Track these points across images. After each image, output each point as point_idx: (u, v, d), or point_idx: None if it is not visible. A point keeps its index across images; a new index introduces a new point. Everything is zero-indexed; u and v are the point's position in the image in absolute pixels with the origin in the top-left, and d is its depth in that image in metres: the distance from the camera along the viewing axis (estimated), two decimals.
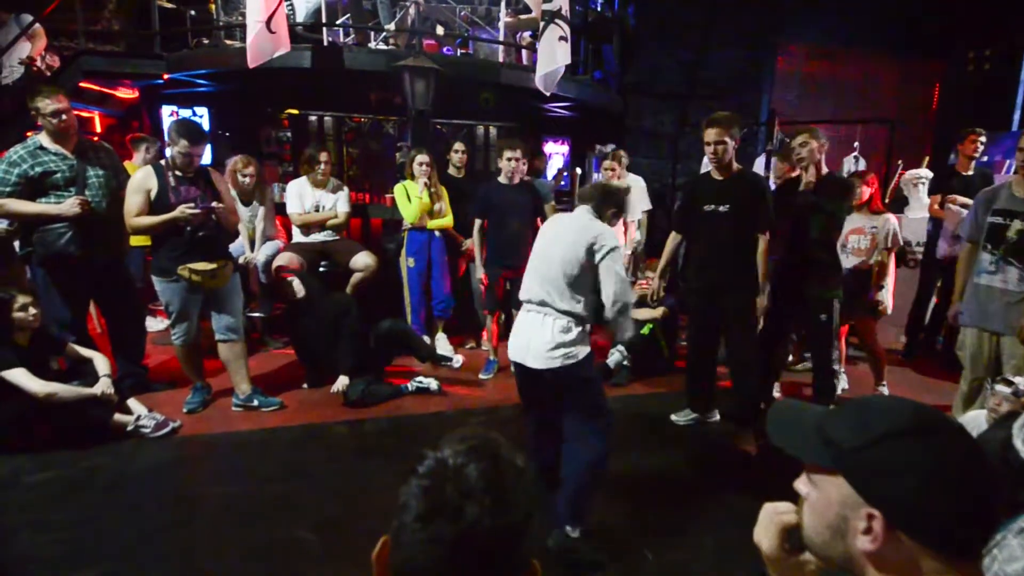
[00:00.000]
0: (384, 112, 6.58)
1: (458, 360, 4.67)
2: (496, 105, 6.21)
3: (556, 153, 7.22)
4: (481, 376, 4.49)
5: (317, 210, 4.70)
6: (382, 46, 5.63)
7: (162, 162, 3.47)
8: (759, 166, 6.13)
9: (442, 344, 4.97)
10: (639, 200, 5.54)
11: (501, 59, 6.16)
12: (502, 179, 4.45)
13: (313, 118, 6.70)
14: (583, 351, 2.46)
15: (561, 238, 2.50)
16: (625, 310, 2.50)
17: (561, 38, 5.18)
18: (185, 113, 6.12)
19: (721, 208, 3.39)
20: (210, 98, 6.28)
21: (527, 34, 6.35)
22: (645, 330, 4.54)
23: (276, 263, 4.50)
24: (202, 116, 6.25)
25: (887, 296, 4.18)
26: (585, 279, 2.44)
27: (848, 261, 4.01)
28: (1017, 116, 7.24)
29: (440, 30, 6.36)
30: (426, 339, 4.88)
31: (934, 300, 5.13)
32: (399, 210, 4.75)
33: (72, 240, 3.44)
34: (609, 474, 2.82)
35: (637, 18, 7.63)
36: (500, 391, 4.19)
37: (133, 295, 4.09)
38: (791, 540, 0.93)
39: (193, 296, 3.51)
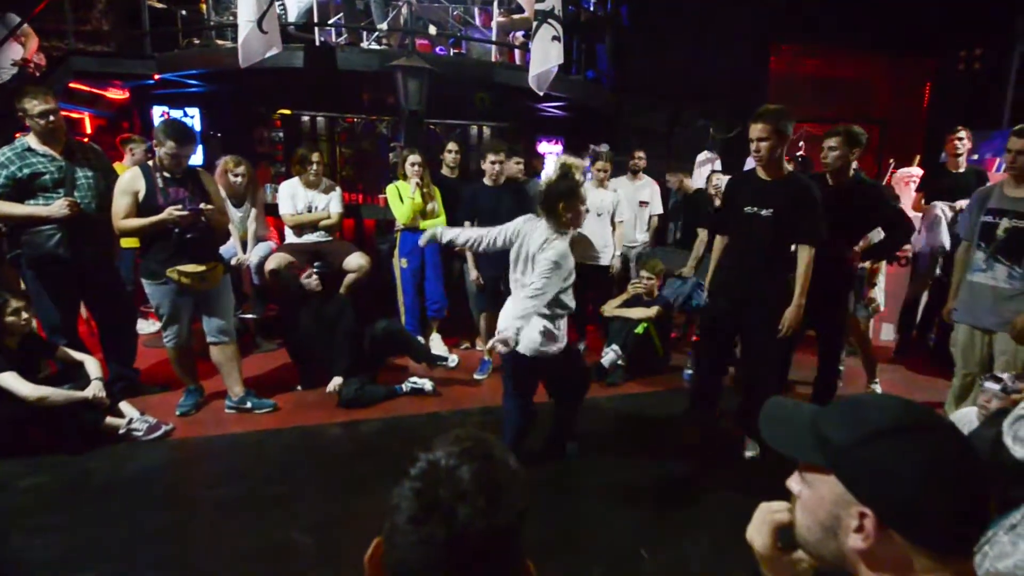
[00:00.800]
0: (377, 112, 6.57)
1: (454, 360, 4.65)
2: (490, 105, 6.21)
3: (550, 153, 7.22)
4: (476, 376, 4.49)
5: (310, 211, 4.68)
6: (375, 46, 5.61)
7: (150, 163, 3.44)
8: (751, 164, 6.16)
9: (436, 344, 4.96)
10: (653, 203, 5.60)
11: (494, 59, 6.16)
12: (487, 181, 4.48)
13: (306, 118, 6.68)
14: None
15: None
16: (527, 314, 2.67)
17: (554, 38, 5.18)
18: (176, 114, 6.08)
19: (763, 212, 3.04)
20: (201, 98, 6.25)
21: (520, 34, 6.35)
22: (640, 329, 4.54)
23: (268, 265, 4.49)
24: (193, 117, 6.21)
25: (880, 294, 4.21)
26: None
27: None
28: (1008, 114, 7.28)
29: (433, 30, 6.35)
30: (420, 340, 4.88)
31: (925, 297, 5.17)
32: (392, 211, 4.74)
33: (61, 242, 3.41)
34: (605, 473, 2.84)
35: (630, 18, 7.64)
36: (495, 391, 4.17)
37: (124, 297, 4.06)
38: (784, 538, 0.94)
39: (183, 298, 3.49)
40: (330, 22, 5.93)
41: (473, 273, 4.48)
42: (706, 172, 6.37)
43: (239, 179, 4.63)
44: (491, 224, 4.11)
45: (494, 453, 0.77)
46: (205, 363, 3.83)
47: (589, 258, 4.79)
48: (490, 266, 4.32)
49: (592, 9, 7.16)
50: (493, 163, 4.42)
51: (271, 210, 5.13)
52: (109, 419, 3.33)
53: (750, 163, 6.20)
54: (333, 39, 5.90)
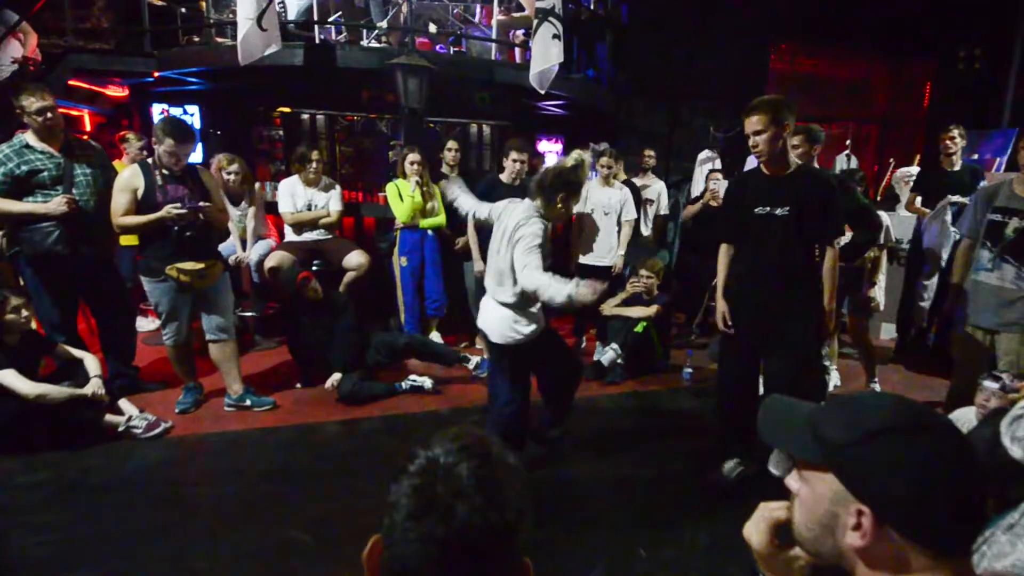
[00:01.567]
0: (377, 110, 6.55)
1: (475, 361, 4.38)
2: (489, 103, 6.20)
3: (549, 151, 7.21)
4: (475, 374, 4.49)
5: (309, 209, 4.68)
6: (375, 44, 5.61)
7: (149, 160, 3.44)
8: (752, 163, 6.16)
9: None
10: (660, 203, 5.61)
11: (494, 57, 6.16)
12: (504, 178, 4.47)
13: (305, 116, 6.67)
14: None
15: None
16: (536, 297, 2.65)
17: (555, 36, 5.18)
18: (176, 111, 6.08)
19: (778, 211, 2.74)
20: (201, 96, 6.24)
21: (520, 32, 6.34)
22: (639, 328, 4.54)
23: (268, 263, 4.49)
24: (193, 114, 6.21)
25: (880, 293, 4.21)
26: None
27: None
28: (1008, 114, 7.28)
29: (433, 28, 6.35)
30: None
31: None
32: (391, 209, 4.74)
33: (60, 239, 3.41)
34: (603, 472, 2.83)
35: (630, 16, 7.63)
36: None
37: (123, 295, 4.06)
38: (781, 536, 0.94)
39: (182, 296, 3.49)
40: (330, 20, 5.92)
41: (479, 265, 4.47)
42: (706, 171, 6.37)
43: (232, 177, 4.62)
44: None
45: (493, 451, 0.77)
46: (204, 361, 3.83)
47: (592, 257, 4.79)
48: None
49: (592, 8, 7.16)
50: (515, 161, 4.40)
51: (270, 208, 5.13)
52: (108, 416, 3.33)
53: (751, 163, 6.23)
54: (333, 37, 5.90)
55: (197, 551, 2.45)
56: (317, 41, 5.56)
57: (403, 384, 4.12)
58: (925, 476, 0.74)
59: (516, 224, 2.66)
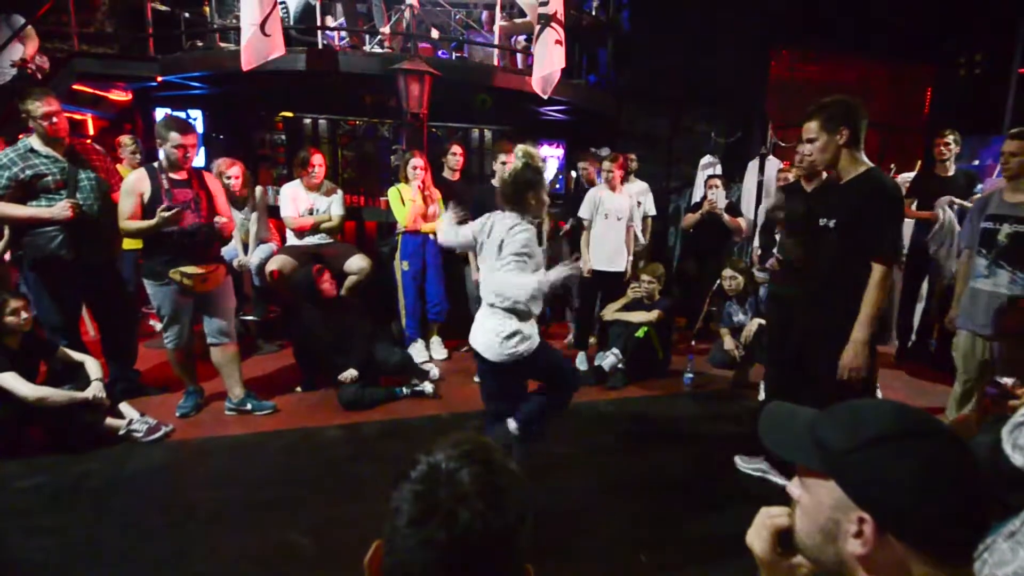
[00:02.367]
0: (379, 115, 6.57)
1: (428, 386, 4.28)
2: (491, 108, 6.22)
3: (551, 156, 7.23)
4: (476, 380, 4.48)
5: (311, 213, 4.70)
6: (377, 49, 5.63)
7: (155, 164, 3.45)
8: (752, 169, 6.17)
9: (436, 347, 4.97)
10: (646, 205, 5.59)
11: (496, 63, 6.18)
12: (496, 183, 4.47)
13: (307, 121, 6.69)
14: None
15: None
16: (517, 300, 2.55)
17: (556, 41, 5.20)
18: (179, 116, 6.10)
19: (827, 221, 2.56)
20: (204, 101, 6.26)
21: (522, 38, 6.36)
22: (640, 333, 4.54)
23: (269, 266, 4.49)
24: (196, 119, 6.23)
25: None
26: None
27: None
28: (1008, 120, 7.29)
29: (435, 33, 6.37)
30: (421, 343, 4.88)
31: (922, 303, 5.17)
32: (393, 213, 4.75)
33: (63, 243, 3.42)
34: (604, 477, 2.82)
35: (631, 22, 7.65)
36: None
37: (125, 299, 4.06)
38: (783, 543, 0.94)
39: (184, 300, 3.50)
40: (332, 25, 5.94)
41: (476, 274, 4.48)
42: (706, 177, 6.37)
43: (232, 181, 4.63)
44: None
45: (494, 456, 0.77)
46: (205, 365, 3.83)
47: (604, 264, 4.77)
48: None
49: (594, 13, 7.18)
50: (504, 164, 4.40)
51: (272, 212, 5.14)
52: (109, 420, 3.33)
53: (750, 169, 6.24)
54: (335, 42, 5.92)
55: (197, 555, 2.45)
56: (320, 46, 5.58)
57: (404, 389, 4.13)
58: (926, 483, 0.74)
59: (503, 236, 2.59)
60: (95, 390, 3.26)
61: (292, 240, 4.76)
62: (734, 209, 5.70)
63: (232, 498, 2.85)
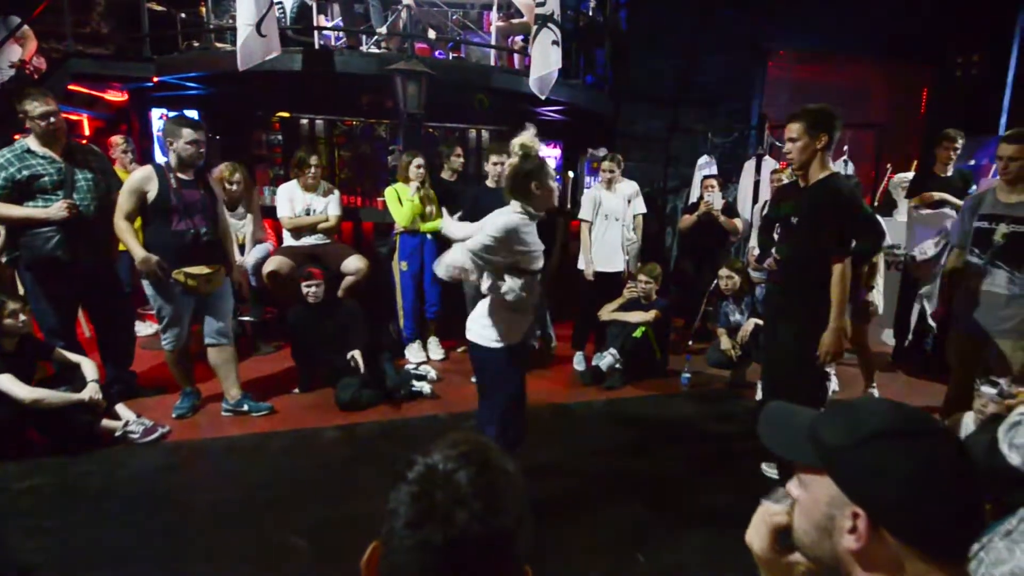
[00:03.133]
0: (375, 116, 6.57)
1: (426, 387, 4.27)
2: (488, 108, 6.22)
3: (548, 157, 7.23)
4: (474, 380, 4.47)
5: (308, 214, 4.69)
6: (374, 49, 5.62)
7: (161, 163, 3.44)
8: (749, 169, 6.18)
9: (434, 347, 4.97)
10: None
11: (493, 63, 6.18)
12: (489, 182, 4.48)
13: (304, 121, 6.68)
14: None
15: None
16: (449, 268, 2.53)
17: (553, 42, 5.20)
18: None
19: (794, 219, 2.85)
20: (200, 101, 6.25)
21: (519, 38, 6.36)
22: (638, 333, 4.55)
23: (266, 267, 4.48)
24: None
25: (878, 297, 4.22)
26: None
27: None
28: (1004, 120, 7.31)
29: (432, 34, 6.37)
30: (418, 343, 4.88)
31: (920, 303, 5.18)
32: (391, 213, 4.74)
33: (60, 244, 3.41)
34: (601, 477, 2.81)
35: (628, 23, 7.66)
36: None
37: (122, 300, 4.05)
38: (782, 541, 0.94)
39: (186, 301, 3.49)
40: (329, 25, 5.93)
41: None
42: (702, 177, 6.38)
43: (235, 187, 4.62)
44: None
45: (491, 457, 0.77)
46: (202, 366, 3.82)
47: (603, 264, 4.78)
48: None
49: (591, 14, 7.19)
50: (495, 164, 4.41)
51: (269, 213, 5.13)
52: (105, 421, 3.32)
53: (747, 168, 6.24)
54: (332, 42, 5.91)
55: (194, 556, 2.44)
56: (316, 46, 5.57)
57: (401, 390, 4.12)
58: (919, 480, 0.74)
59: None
60: (91, 392, 3.25)
61: (289, 241, 4.75)
62: (731, 209, 5.71)
63: (229, 499, 2.85)
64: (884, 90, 8.79)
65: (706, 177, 5.92)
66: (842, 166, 6.62)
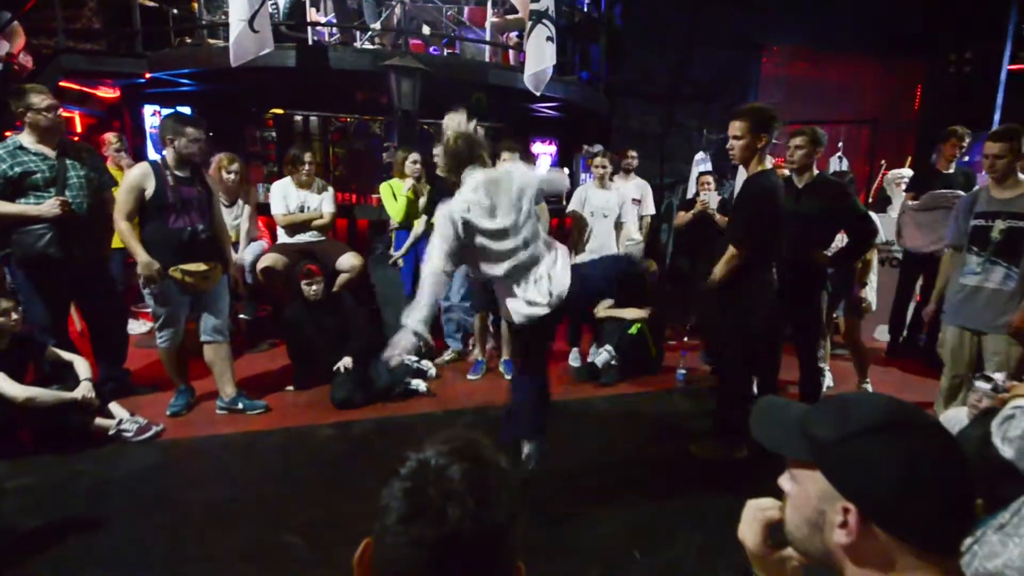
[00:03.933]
0: (370, 112, 6.55)
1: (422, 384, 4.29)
2: (485, 106, 6.21)
3: (543, 153, 7.23)
4: (469, 377, 4.48)
5: (302, 211, 4.66)
6: (368, 45, 5.60)
7: (158, 160, 3.42)
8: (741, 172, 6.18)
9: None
10: (645, 204, 5.59)
11: (488, 59, 6.16)
12: None
13: (298, 118, 6.66)
14: None
15: None
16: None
17: (548, 38, 5.19)
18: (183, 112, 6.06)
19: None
20: (193, 97, 6.22)
21: (514, 34, 6.35)
22: (633, 329, 4.55)
23: (261, 264, 4.46)
24: None
25: (871, 293, 4.24)
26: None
27: None
28: (997, 116, 7.35)
29: (426, 30, 6.34)
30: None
31: (916, 298, 5.20)
32: (386, 210, 4.73)
33: (52, 241, 3.38)
34: (597, 474, 2.81)
35: (623, 19, 7.66)
36: (488, 392, 4.18)
37: (115, 297, 4.03)
38: (774, 536, 0.94)
39: (182, 299, 3.47)
40: (323, 22, 5.90)
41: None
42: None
43: (232, 176, 4.61)
44: None
45: (484, 453, 0.76)
46: (196, 364, 3.81)
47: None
48: None
49: (586, 10, 7.18)
50: (506, 161, 4.39)
51: (263, 210, 5.11)
52: (99, 420, 3.30)
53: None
54: (326, 38, 5.88)
55: (188, 555, 2.43)
56: (310, 42, 5.55)
57: (396, 388, 4.10)
58: (909, 474, 0.74)
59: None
60: (84, 390, 3.23)
61: (283, 238, 4.73)
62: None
63: (223, 497, 2.84)
64: (878, 86, 8.83)
65: (702, 174, 5.92)
66: (836, 162, 6.65)
